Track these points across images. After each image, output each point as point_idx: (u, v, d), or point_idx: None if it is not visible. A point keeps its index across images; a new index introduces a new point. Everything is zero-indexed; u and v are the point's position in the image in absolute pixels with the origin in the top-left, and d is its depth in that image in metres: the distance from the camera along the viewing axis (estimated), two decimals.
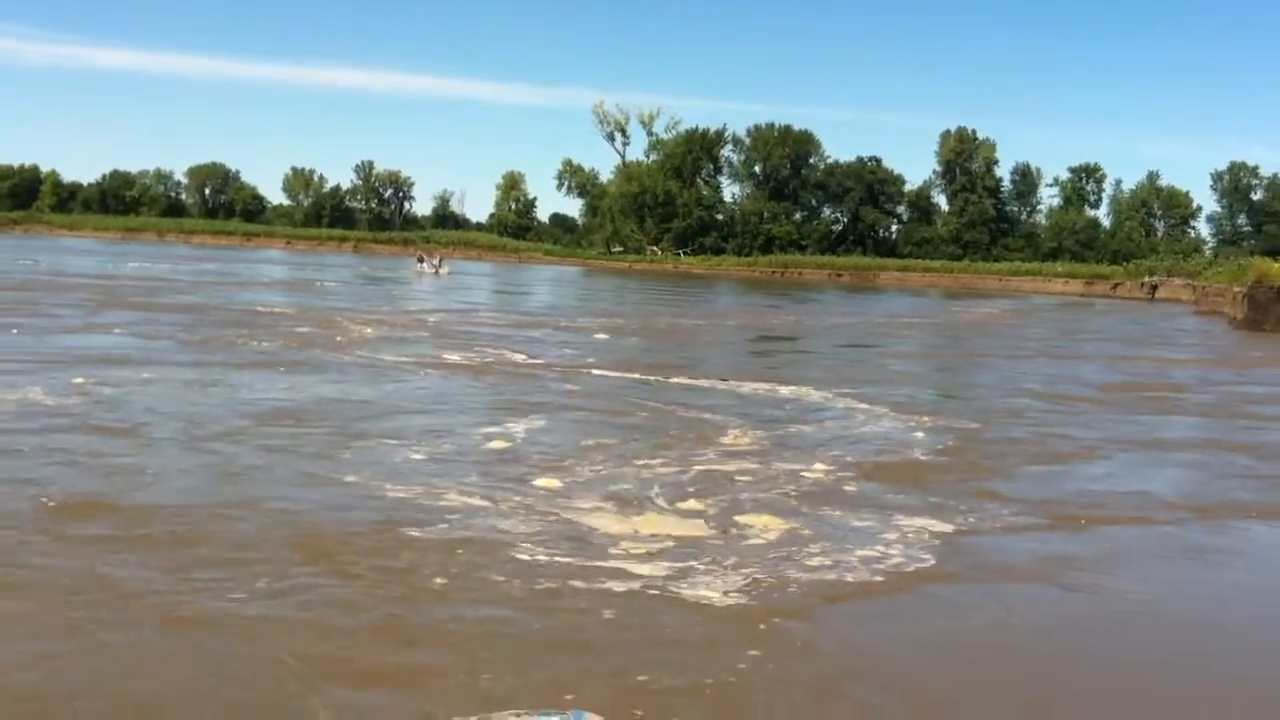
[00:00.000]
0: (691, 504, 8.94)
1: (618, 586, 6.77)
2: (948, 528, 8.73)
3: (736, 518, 8.58)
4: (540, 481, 9.43)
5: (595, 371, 18.23)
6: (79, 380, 13.66)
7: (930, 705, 5.55)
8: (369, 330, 24.13)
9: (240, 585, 6.44)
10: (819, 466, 10.73)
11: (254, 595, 6.31)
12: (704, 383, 17.36)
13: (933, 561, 7.81)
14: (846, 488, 9.94)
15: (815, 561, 7.58)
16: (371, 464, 9.82)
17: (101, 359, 16.02)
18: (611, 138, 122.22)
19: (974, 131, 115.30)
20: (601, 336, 25.72)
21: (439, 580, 6.76)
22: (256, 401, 13.08)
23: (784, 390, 16.68)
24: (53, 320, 21.87)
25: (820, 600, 6.84)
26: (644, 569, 7.14)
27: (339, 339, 21.66)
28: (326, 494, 8.72)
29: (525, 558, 7.26)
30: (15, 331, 18.99)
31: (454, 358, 19.24)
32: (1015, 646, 6.45)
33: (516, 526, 7.98)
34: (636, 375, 17.80)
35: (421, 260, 71.53)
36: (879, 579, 7.31)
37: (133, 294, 30.91)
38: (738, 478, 10.02)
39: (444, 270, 66.06)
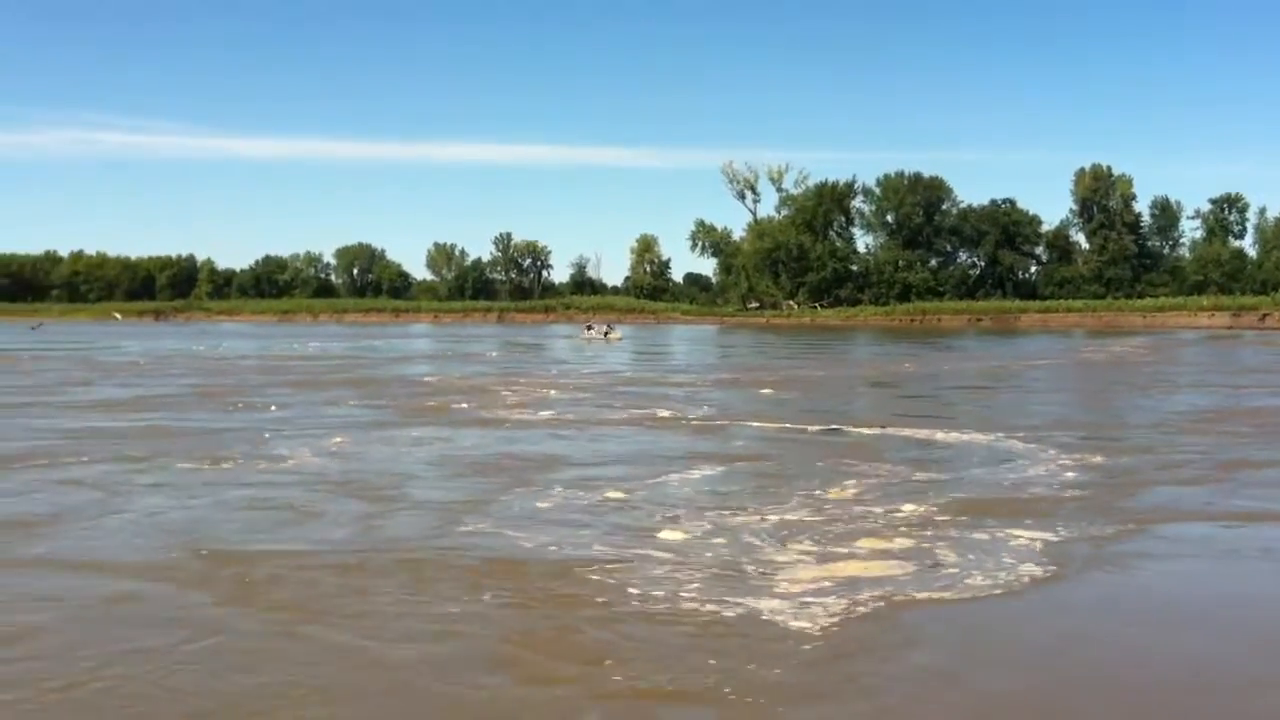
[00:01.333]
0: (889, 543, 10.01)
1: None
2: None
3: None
4: (737, 520, 10.61)
5: (755, 424, 19.35)
6: (338, 440, 15.96)
7: None
8: (552, 392, 25.77)
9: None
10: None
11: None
12: (866, 430, 18.34)
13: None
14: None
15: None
16: (562, 507, 11.13)
17: (351, 424, 18.16)
18: (742, 196, 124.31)
19: (1109, 167, 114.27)
20: (767, 391, 26.67)
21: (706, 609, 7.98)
22: (483, 450, 14.76)
23: (941, 435, 17.56)
24: (289, 398, 24.01)
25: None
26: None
27: (522, 400, 23.27)
28: (554, 533, 10.04)
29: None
30: (273, 408, 21.31)
31: (621, 414, 20.61)
32: None
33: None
34: (812, 426, 18.84)
35: (590, 328, 70.53)
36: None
37: (330, 372, 33.26)
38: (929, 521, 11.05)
39: (615, 335, 65.09)
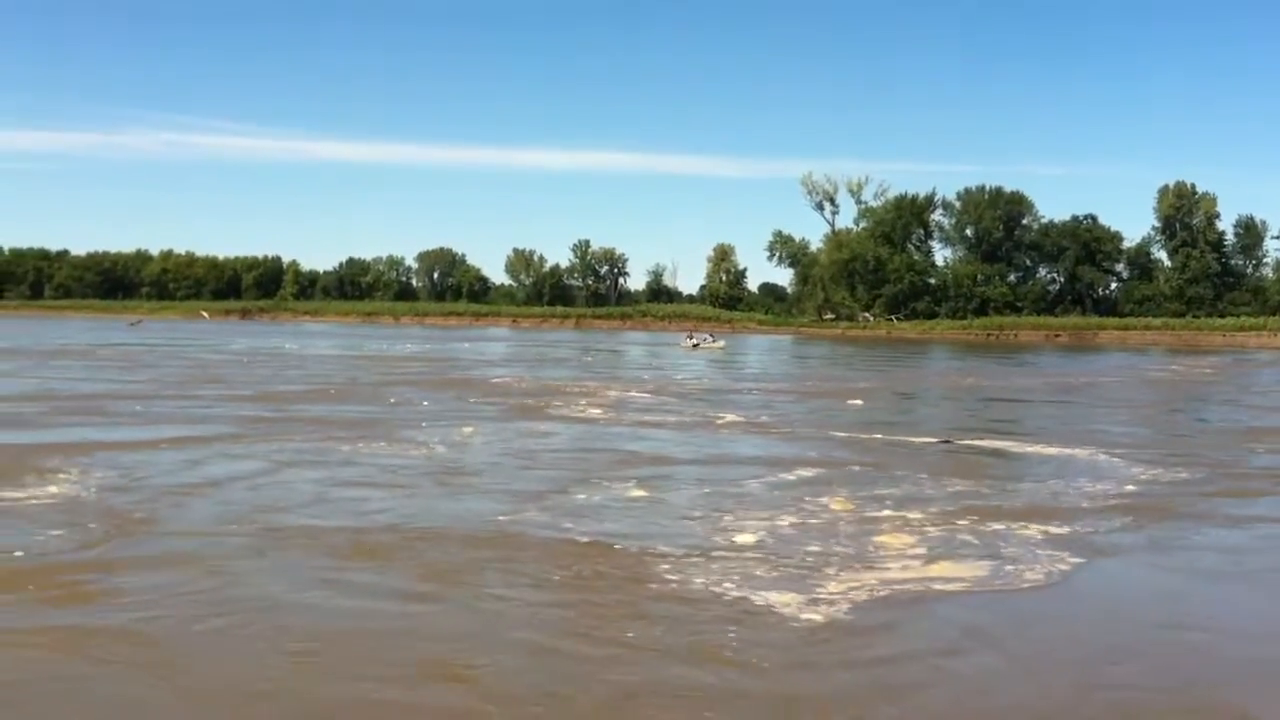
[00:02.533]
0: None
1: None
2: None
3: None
4: (839, 511, 11.73)
5: (839, 433, 20.39)
6: (469, 429, 18.26)
7: None
8: (643, 395, 27.13)
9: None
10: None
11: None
12: (915, 439, 19.33)
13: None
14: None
15: None
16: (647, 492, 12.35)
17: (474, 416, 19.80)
18: (820, 207, 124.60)
19: (1193, 185, 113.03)
20: (856, 402, 27.42)
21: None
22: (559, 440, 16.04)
23: (1018, 447, 18.49)
24: (422, 394, 25.93)
25: None
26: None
27: (613, 401, 24.55)
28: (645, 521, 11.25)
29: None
30: (425, 404, 23.79)
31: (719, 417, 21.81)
32: None
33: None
34: (876, 434, 19.85)
35: (690, 336, 71.10)
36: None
37: (438, 373, 35.20)
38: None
39: (717, 345, 65.46)
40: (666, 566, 9.22)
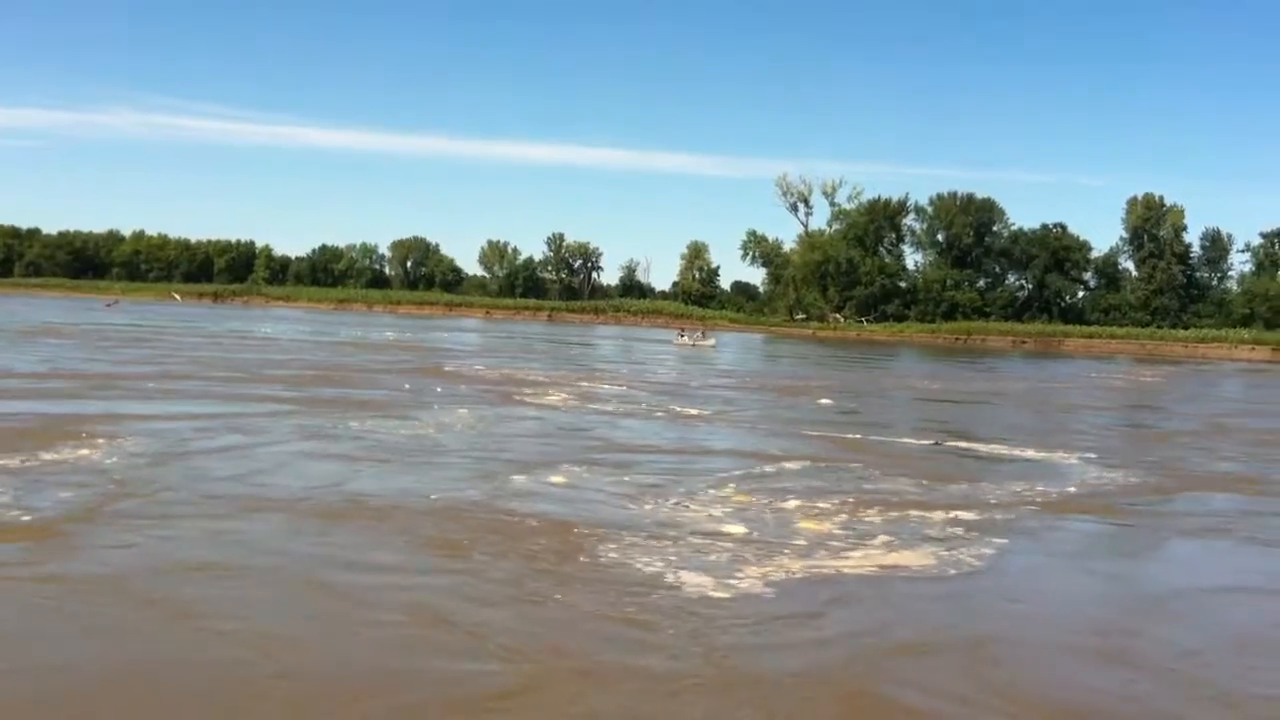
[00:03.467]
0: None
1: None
2: None
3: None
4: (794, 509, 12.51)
5: (806, 430, 21.19)
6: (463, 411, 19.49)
7: None
8: (614, 388, 27.84)
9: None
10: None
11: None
12: (876, 437, 20.15)
13: None
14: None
15: None
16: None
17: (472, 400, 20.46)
18: (795, 208, 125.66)
19: (1161, 198, 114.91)
20: (825, 401, 28.14)
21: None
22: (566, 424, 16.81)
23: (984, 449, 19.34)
24: (425, 382, 26.70)
25: None
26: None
27: (588, 394, 25.29)
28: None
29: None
30: (407, 387, 24.77)
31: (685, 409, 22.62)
32: None
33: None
34: (813, 432, 20.66)
35: (683, 334, 70.69)
36: None
37: (422, 361, 35.86)
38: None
39: (708, 343, 64.89)
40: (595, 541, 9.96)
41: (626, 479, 13.29)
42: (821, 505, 12.07)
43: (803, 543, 10.23)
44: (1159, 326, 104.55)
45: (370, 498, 11.41)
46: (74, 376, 23.41)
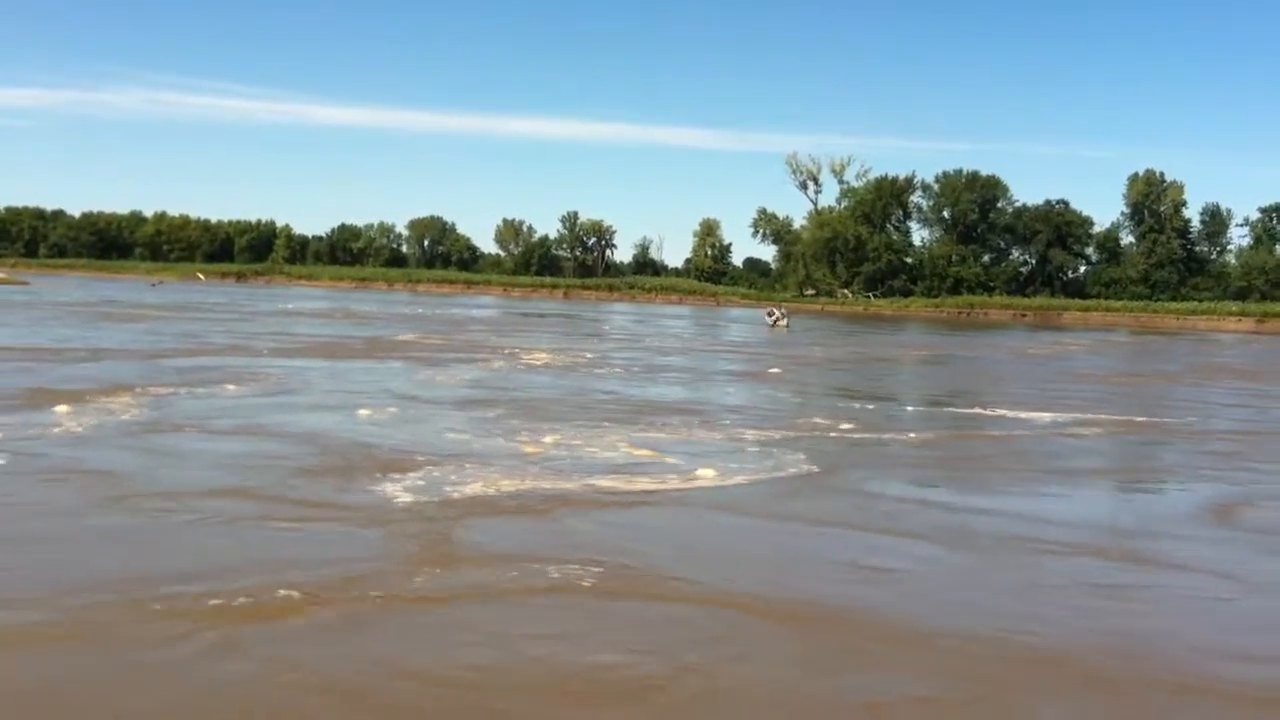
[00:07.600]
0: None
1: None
2: None
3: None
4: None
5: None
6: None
7: None
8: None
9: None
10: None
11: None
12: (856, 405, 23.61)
13: None
14: None
15: None
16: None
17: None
18: (804, 186, 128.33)
19: (1162, 174, 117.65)
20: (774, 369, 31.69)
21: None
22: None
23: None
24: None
25: None
26: None
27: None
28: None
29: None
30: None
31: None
32: None
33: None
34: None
35: (771, 314, 68.64)
36: None
37: (462, 334, 39.25)
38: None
39: (783, 324, 63.07)
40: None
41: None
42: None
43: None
44: (1158, 300, 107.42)
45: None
46: (212, 349, 27.21)
